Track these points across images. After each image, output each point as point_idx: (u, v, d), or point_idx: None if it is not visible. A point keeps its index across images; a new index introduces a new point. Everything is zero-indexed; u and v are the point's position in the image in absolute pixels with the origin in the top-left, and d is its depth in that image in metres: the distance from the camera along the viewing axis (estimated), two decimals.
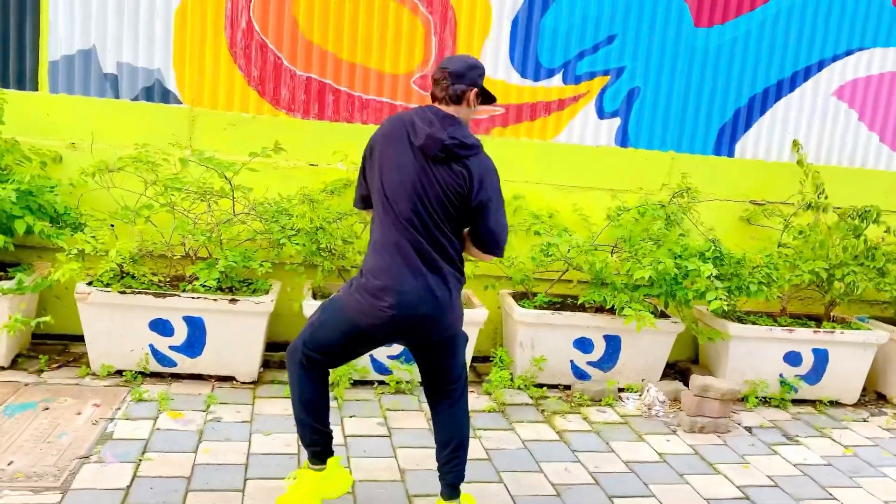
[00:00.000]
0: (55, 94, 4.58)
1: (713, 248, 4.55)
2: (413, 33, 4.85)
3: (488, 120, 5.02)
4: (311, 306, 4.28)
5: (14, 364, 4.25)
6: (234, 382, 4.34)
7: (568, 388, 4.72)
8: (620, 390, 4.73)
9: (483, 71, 2.80)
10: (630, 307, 4.41)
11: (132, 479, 3.15)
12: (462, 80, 2.71)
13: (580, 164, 5.08)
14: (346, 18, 4.77)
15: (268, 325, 4.37)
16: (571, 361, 4.67)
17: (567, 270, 4.82)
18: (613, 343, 4.66)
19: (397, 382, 4.42)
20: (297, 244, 4.29)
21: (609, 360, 4.70)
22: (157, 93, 4.69)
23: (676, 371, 5.22)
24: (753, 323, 4.81)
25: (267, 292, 4.39)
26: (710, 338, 4.79)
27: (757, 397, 4.77)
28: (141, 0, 4.58)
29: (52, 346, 4.61)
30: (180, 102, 4.70)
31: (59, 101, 4.57)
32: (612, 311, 4.61)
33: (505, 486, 3.44)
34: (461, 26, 4.88)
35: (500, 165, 4.89)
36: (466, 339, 2.95)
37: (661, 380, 4.84)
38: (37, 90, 4.58)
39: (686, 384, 4.62)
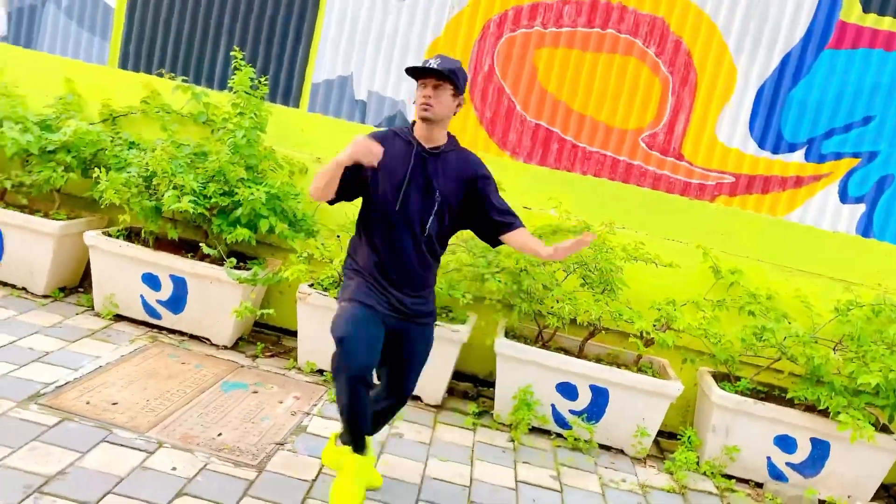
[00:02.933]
0: (312, 113, 5.10)
1: None
2: (649, 91, 4.81)
3: (715, 187, 4.81)
4: (502, 344, 4.34)
5: (235, 346, 4.73)
6: (419, 402, 4.49)
7: (760, 486, 4.33)
8: (821, 502, 4.26)
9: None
10: (848, 413, 3.97)
11: (317, 474, 3.36)
12: None
13: (811, 247, 4.70)
14: (583, 71, 4.85)
15: (459, 354, 4.49)
16: (768, 458, 4.29)
17: (779, 359, 4.45)
18: (821, 448, 4.22)
19: (575, 439, 4.33)
20: (500, 282, 4.39)
21: (812, 465, 4.25)
22: (398, 122, 5.05)
23: (892, 495, 4.60)
24: None
25: (464, 322, 4.52)
26: None
27: None
28: (398, 36, 4.98)
29: (268, 335, 5.08)
30: None
31: (314, 119, 5.08)
32: (825, 412, 4.19)
33: None
34: (701, 89, 4.76)
35: (722, 236, 4.73)
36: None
37: (871, 501, 4.28)
38: (297, 107, 5.12)
39: None
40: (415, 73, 2.88)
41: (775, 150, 4.75)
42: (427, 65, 2.83)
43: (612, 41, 4.81)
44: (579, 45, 4.83)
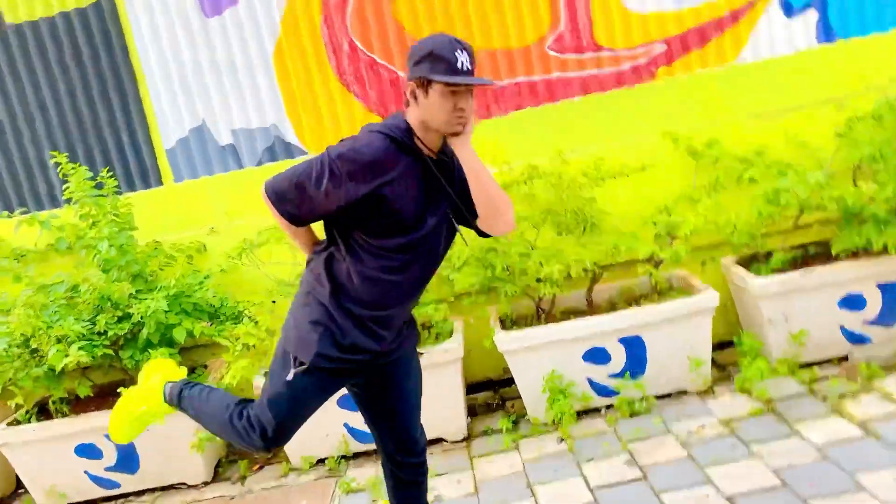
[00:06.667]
0: (180, 183, 4.28)
1: None
2: None
3: (649, 63, 4.12)
4: (504, 340, 3.64)
5: (216, 475, 3.96)
6: (444, 444, 3.79)
7: (844, 359, 3.72)
8: None
9: (417, 55, 2.11)
10: None
11: None
12: (408, 80, 2.17)
13: (780, 80, 4.03)
14: (452, 5, 4.09)
15: (462, 369, 3.78)
16: (841, 326, 3.67)
17: (801, 214, 3.82)
18: (892, 291, 3.60)
19: (629, 403, 3.66)
20: (470, 275, 3.68)
21: (891, 313, 3.64)
22: (279, 150, 4.26)
23: None
24: None
25: (451, 334, 3.81)
26: None
27: None
28: (236, 56, 4.17)
29: None
30: (305, 153, 4.24)
31: (186, 188, 4.26)
32: (879, 251, 3.56)
33: None
34: None
35: (679, 110, 4.05)
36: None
37: None
38: (162, 183, 4.30)
39: None
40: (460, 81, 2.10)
41: None
42: (471, 77, 2.10)
43: None
44: None
